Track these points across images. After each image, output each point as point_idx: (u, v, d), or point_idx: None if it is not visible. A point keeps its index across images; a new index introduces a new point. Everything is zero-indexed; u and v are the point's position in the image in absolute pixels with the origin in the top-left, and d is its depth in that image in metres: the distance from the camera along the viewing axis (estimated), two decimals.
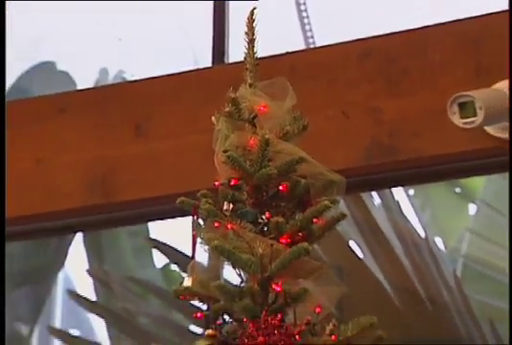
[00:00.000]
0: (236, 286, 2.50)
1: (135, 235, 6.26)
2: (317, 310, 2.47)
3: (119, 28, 6.13)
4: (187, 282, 2.51)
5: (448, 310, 5.11)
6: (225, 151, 2.55)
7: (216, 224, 2.45)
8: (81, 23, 6.22)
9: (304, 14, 6.00)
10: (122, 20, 6.18)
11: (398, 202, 5.48)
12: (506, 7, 3.79)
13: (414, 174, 3.90)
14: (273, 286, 2.46)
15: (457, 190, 6.18)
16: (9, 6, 5.36)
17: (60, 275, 6.64)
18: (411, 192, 5.65)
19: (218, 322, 2.53)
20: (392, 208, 5.38)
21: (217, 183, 2.47)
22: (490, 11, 3.82)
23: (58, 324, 6.76)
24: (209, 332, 2.52)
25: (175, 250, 5.20)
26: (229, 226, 2.45)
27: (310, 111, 2.33)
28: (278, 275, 2.46)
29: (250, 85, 2.55)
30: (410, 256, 5.20)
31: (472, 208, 6.06)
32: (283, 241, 2.36)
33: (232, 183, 2.52)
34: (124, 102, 3.95)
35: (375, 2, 5.91)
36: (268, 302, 2.47)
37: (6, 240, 5.34)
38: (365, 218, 5.08)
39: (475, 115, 3.32)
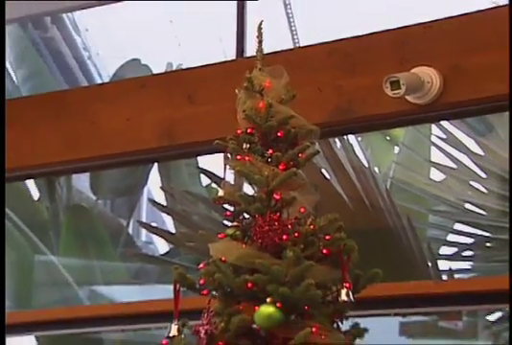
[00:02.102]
0: (251, 195, 2.54)
1: (190, 165, 6.33)
2: (302, 210, 2.52)
3: (178, 32, 6.05)
4: (220, 193, 2.57)
5: (382, 211, 5.12)
6: (244, 111, 2.62)
7: (238, 157, 2.53)
8: (154, 28, 6.13)
9: (290, 17, 5.90)
10: (178, 23, 6.07)
11: (352, 145, 5.43)
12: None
13: (362, 127, 3.98)
14: (274, 195, 2.51)
15: (388, 138, 6.11)
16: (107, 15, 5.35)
17: (145, 189, 6.56)
18: (359, 138, 5.57)
19: (240, 218, 2.55)
20: (348, 148, 5.37)
21: (239, 131, 2.62)
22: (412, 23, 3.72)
23: (144, 219, 6.68)
24: (235, 224, 2.54)
25: (214, 174, 5.23)
26: (247, 158, 2.55)
27: (297, 87, 2.38)
28: (277, 188, 2.53)
29: (260, 70, 2.66)
30: (359, 178, 5.25)
31: (396, 149, 6.00)
32: (280, 167, 2.47)
33: (248, 131, 2.62)
34: (181, 82, 4.01)
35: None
36: (271, 205, 2.49)
37: (112, 167, 5.61)
38: (331, 155, 5.10)
39: (399, 88, 3.36)
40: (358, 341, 2.50)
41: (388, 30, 3.88)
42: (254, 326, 2.37)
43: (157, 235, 6.85)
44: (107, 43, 7.41)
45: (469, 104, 3.73)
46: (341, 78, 3.74)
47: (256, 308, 2.35)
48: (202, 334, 2.41)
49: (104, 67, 7.46)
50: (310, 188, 2.59)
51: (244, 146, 2.56)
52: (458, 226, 5.70)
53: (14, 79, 7.44)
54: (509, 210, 5.14)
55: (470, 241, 5.64)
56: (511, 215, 5.02)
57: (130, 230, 7.18)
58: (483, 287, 3.82)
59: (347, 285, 2.45)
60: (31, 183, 6.82)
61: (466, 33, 3.68)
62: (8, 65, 7.48)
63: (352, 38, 3.93)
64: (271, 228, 2.43)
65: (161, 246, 6.95)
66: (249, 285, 2.37)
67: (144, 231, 7.30)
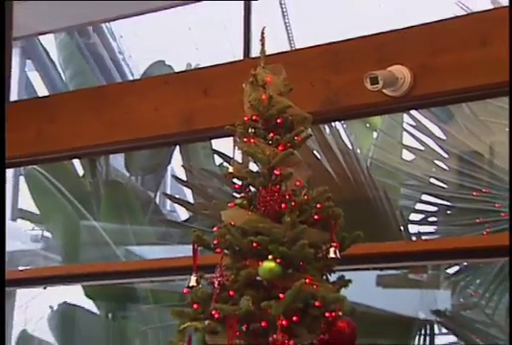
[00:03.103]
0: (255, 171, 2.54)
1: (205, 147, 6.26)
2: (297, 183, 2.50)
3: (195, 37, 6.02)
4: (230, 169, 2.60)
5: (363, 185, 5.09)
6: (250, 102, 2.61)
7: (245, 140, 2.53)
8: (176, 35, 6.08)
9: (286, 20, 5.85)
10: (195, 30, 6.02)
11: (338, 130, 5.39)
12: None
13: (346, 115, 3.94)
14: (275, 171, 2.51)
15: (367, 125, 6.04)
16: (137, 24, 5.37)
17: (169, 167, 6.52)
18: (345, 125, 5.50)
19: (246, 190, 2.54)
20: (335, 133, 5.30)
21: (245, 118, 2.60)
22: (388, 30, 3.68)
23: (168, 191, 6.64)
24: (242, 195, 2.55)
25: (225, 154, 5.17)
26: (252, 141, 2.55)
27: (293, 82, 2.36)
28: (277, 165, 2.52)
29: (262, 68, 2.64)
30: (344, 158, 5.18)
31: (374, 134, 5.92)
32: (280, 148, 2.40)
33: (253, 118, 2.60)
34: (197, 78, 3.97)
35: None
36: (272, 179, 2.49)
37: (142, 148, 5.59)
38: (321, 138, 5.05)
39: (378, 83, 3.32)
40: (343, 290, 2.51)
41: (369, 35, 3.85)
42: (258, 278, 2.37)
43: (179, 204, 6.86)
44: (138, 47, 7.42)
45: (434, 97, 3.70)
46: (330, 74, 3.72)
47: (260, 263, 2.36)
48: (216, 285, 2.42)
49: (136, 67, 7.45)
50: (304, 165, 2.58)
51: (250, 130, 2.55)
52: (425, 197, 5.65)
53: (63, 77, 7.42)
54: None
55: (434, 209, 5.61)
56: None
57: (157, 201, 7.14)
58: (444, 246, 3.81)
59: (334, 244, 2.45)
60: (77, 162, 6.82)
61: (432, 38, 3.66)
62: (58, 66, 7.47)
63: (339, 42, 3.90)
64: (272, 198, 2.43)
65: (182, 214, 6.94)
66: (254, 244, 2.38)
67: (168, 201, 7.30)
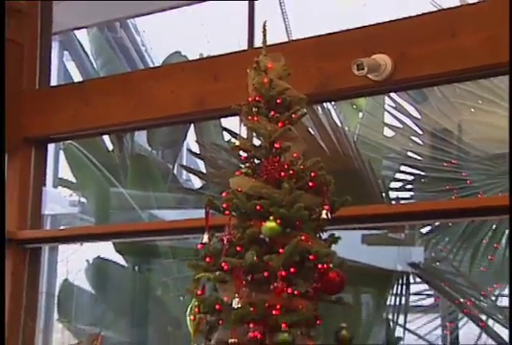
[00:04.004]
0: (258, 145, 2.54)
1: (215, 126, 6.13)
2: (295, 155, 2.52)
3: (207, 31, 5.95)
4: (237, 143, 2.57)
5: (350, 157, 5.03)
6: (253, 85, 2.61)
7: (249, 118, 2.46)
8: (190, 29, 6.01)
9: (285, 16, 5.75)
10: (207, 25, 5.95)
11: (329, 110, 5.29)
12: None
13: (336, 97, 3.93)
14: (275, 144, 2.53)
15: (354, 106, 5.96)
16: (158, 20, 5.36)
17: (185, 143, 6.47)
18: (335, 106, 5.43)
19: (251, 161, 2.55)
20: (327, 113, 5.23)
21: (250, 99, 2.49)
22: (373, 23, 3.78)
23: (184, 163, 6.61)
24: (247, 165, 2.55)
25: (232, 131, 5.08)
26: (255, 118, 2.57)
27: (291, 68, 2.39)
28: (277, 139, 2.53)
29: (264, 55, 2.63)
30: (335, 134, 5.11)
31: (360, 114, 5.85)
32: (279, 124, 2.39)
33: (256, 99, 2.60)
34: (209, 66, 3.93)
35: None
36: (273, 151, 2.51)
37: (162, 126, 5.64)
38: (315, 117, 4.99)
39: (363, 69, 3.27)
40: (333, 246, 2.49)
41: (356, 28, 3.78)
42: (261, 236, 2.37)
43: (193, 174, 6.83)
44: (158, 40, 7.36)
45: (411, 81, 3.65)
46: (323, 62, 3.66)
47: (262, 223, 2.36)
48: (225, 242, 2.42)
49: (156, 57, 7.39)
50: (300, 140, 2.57)
51: (254, 109, 2.54)
52: (403, 168, 5.59)
53: (95, 66, 7.39)
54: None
55: (411, 178, 5.55)
56: None
57: (175, 171, 7.07)
58: (419, 208, 3.78)
59: (326, 207, 2.44)
60: (106, 138, 6.80)
61: (410, 30, 3.60)
62: (90, 56, 7.43)
63: (330, 34, 3.82)
64: (273, 168, 2.42)
65: (196, 182, 6.90)
66: (258, 207, 2.38)
67: (184, 172, 7.21)
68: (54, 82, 5.00)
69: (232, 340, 2.25)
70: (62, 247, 4.97)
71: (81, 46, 7.37)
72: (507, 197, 3.33)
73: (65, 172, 6.09)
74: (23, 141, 4.57)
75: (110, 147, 6.91)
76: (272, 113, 2.51)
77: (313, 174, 2.45)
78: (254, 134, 2.56)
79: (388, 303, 5.33)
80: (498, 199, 4.15)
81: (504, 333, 5.20)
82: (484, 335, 5.30)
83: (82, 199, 6.39)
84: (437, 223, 5.39)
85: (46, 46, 4.88)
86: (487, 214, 3.71)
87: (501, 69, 3.47)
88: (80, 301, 5.97)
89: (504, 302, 5.47)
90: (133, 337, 6.14)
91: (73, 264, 5.58)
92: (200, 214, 2.55)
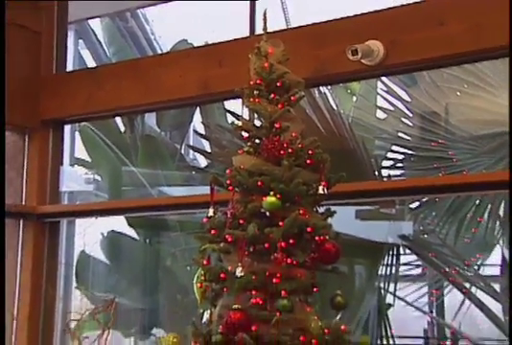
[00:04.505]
0: (259, 125, 2.52)
1: (219, 108, 6.06)
2: (293, 134, 2.49)
3: (212, 20, 5.87)
4: (239, 124, 2.57)
5: (346, 138, 5.01)
6: (255, 69, 2.58)
7: (251, 100, 2.50)
8: (197, 19, 5.96)
9: (284, 6, 5.67)
10: (211, 15, 5.87)
11: (326, 94, 5.25)
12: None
13: (332, 81, 3.87)
14: (275, 125, 2.50)
15: (349, 91, 5.90)
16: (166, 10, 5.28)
17: (191, 124, 6.41)
18: (331, 91, 5.37)
19: (252, 140, 2.52)
20: (323, 97, 5.18)
21: (251, 83, 2.55)
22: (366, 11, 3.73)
23: (191, 143, 6.60)
24: (249, 144, 2.54)
25: (235, 113, 5.01)
26: (257, 100, 2.54)
27: (289, 54, 2.35)
28: (277, 120, 2.51)
29: (265, 42, 2.62)
30: (331, 116, 5.05)
31: (354, 98, 5.79)
32: (279, 106, 2.40)
33: (258, 82, 2.58)
34: (213, 52, 3.91)
35: None
36: (273, 131, 2.49)
37: (170, 108, 5.61)
38: (312, 100, 4.95)
39: (357, 55, 3.24)
40: (329, 219, 2.48)
41: (351, 16, 3.74)
42: (262, 210, 2.35)
43: (200, 153, 6.81)
44: (166, 29, 7.30)
45: (401, 66, 3.62)
46: (319, 48, 3.62)
47: (263, 198, 2.34)
48: (229, 215, 2.41)
49: (164, 45, 7.33)
50: (298, 120, 2.54)
51: (255, 92, 2.52)
52: (394, 148, 5.58)
53: (108, 53, 7.35)
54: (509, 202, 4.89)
55: (401, 157, 5.54)
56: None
57: (182, 151, 7.02)
58: (408, 184, 3.75)
59: (323, 183, 2.43)
60: (118, 120, 6.77)
61: (401, 19, 3.56)
62: (103, 44, 7.39)
63: (326, 22, 3.77)
64: (273, 146, 2.41)
65: (202, 161, 6.88)
66: (259, 183, 2.37)
67: (191, 151, 7.18)
68: (69, 68, 4.98)
69: (236, 306, 2.25)
70: (79, 221, 4.97)
71: (95, 35, 7.32)
72: (490, 174, 3.33)
73: (81, 152, 6.08)
74: (41, 123, 4.55)
75: (122, 128, 6.89)
76: (272, 95, 2.49)
77: (310, 152, 2.44)
78: (255, 115, 2.54)
79: (380, 273, 5.34)
80: (481, 176, 4.15)
81: (485, 298, 5.25)
82: (467, 301, 5.33)
83: (97, 177, 6.38)
84: (425, 199, 5.39)
85: (62, 35, 4.85)
86: (471, 190, 3.70)
87: (485, 54, 3.46)
88: (96, 271, 5.99)
89: (486, 271, 5.55)
90: (145, 304, 6.16)
91: (89, 237, 5.58)
92: (206, 190, 2.54)
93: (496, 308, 5.25)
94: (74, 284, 5.14)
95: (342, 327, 2.33)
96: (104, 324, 3.31)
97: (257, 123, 2.54)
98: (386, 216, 5.37)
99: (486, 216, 5.24)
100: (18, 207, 4.43)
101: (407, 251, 5.50)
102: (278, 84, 2.50)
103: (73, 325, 3.60)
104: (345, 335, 2.32)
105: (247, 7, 4.38)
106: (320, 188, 2.42)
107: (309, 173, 2.43)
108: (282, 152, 2.40)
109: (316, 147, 2.48)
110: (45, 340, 4.35)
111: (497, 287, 5.42)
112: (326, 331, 2.29)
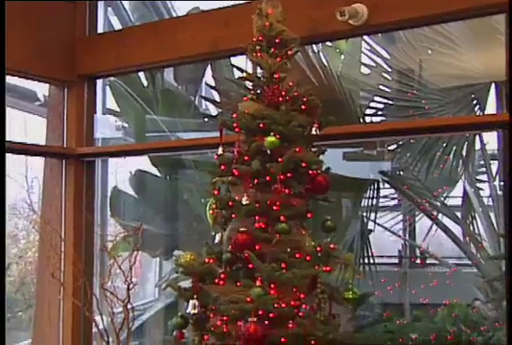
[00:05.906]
0: (260, 76, 2.49)
1: (227, 65, 5.94)
2: (290, 84, 2.51)
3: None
4: (244, 74, 2.50)
5: (335, 90, 4.97)
6: (257, 27, 2.52)
7: (254, 54, 2.56)
8: None
9: None
10: None
11: (318, 51, 5.17)
12: None
13: (324, 38, 3.70)
14: (275, 75, 2.57)
15: (337, 50, 5.78)
16: None
17: (204, 78, 6.31)
18: (322, 49, 5.28)
19: (255, 89, 2.49)
20: (316, 55, 5.12)
21: (254, 39, 2.56)
22: None
23: (203, 94, 6.55)
24: (252, 92, 2.51)
25: (240, 68, 4.86)
26: (259, 54, 2.53)
27: (286, 14, 2.24)
28: (276, 71, 2.62)
29: (265, 3, 2.56)
30: (323, 71, 4.99)
31: (342, 56, 5.68)
32: (278, 59, 2.45)
33: (260, 39, 2.50)
34: (222, 15, 3.85)
35: None
36: (273, 81, 2.52)
37: (184, 64, 5.23)
38: (306, 56, 4.88)
39: (345, 16, 3.15)
40: (321, 156, 2.46)
41: None
42: (264, 148, 2.33)
43: (211, 103, 6.75)
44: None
45: (382, 25, 3.47)
46: (313, 9, 3.51)
47: (265, 138, 2.31)
48: (236, 153, 2.39)
49: (179, 10, 7.21)
50: (294, 72, 2.49)
51: (257, 47, 2.48)
52: (376, 98, 5.51)
53: (132, 19, 7.23)
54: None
55: (381, 106, 5.48)
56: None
57: (196, 102, 6.93)
58: (387, 127, 3.70)
59: (316, 125, 2.40)
60: (142, 75, 6.69)
61: None
62: (128, 12, 7.25)
63: None
64: (273, 93, 2.37)
65: (213, 110, 6.82)
66: (261, 125, 2.34)
67: (204, 101, 7.12)
68: (100, 31, 4.91)
69: (242, 229, 2.26)
70: (111, 162, 4.97)
71: (122, 4, 7.20)
72: (456, 118, 3.26)
73: (111, 103, 6.05)
74: (78, 77, 4.50)
75: (145, 83, 6.83)
76: (272, 50, 2.45)
77: (305, 99, 2.41)
78: (258, 68, 2.49)
79: (363, 204, 5.36)
80: (448, 120, 4.12)
81: (449, 223, 5.28)
82: (435, 226, 5.40)
83: (125, 125, 6.35)
84: (401, 142, 5.41)
85: (94, 4, 4.79)
86: (439, 132, 3.67)
87: (453, 16, 3.34)
88: (126, 203, 6.03)
89: (451, 201, 5.59)
90: (167, 230, 6.23)
91: (120, 175, 5.60)
92: (216, 134, 2.52)
93: (457, 231, 5.31)
94: (109, 213, 5.20)
95: (332, 246, 2.34)
96: (133, 245, 3.34)
97: (259, 74, 2.49)
98: (369, 156, 5.36)
99: (452, 155, 5.28)
100: (61, 149, 4.45)
101: (386, 185, 5.53)
102: (277, 41, 2.46)
103: (109, 246, 3.66)
104: (334, 253, 2.33)
105: None
106: (313, 129, 2.40)
107: (303, 117, 2.41)
108: (280, 99, 2.38)
109: (310, 94, 2.44)
110: (87, 257, 4.38)
111: (458, 214, 5.51)
112: (318, 249, 2.31)
